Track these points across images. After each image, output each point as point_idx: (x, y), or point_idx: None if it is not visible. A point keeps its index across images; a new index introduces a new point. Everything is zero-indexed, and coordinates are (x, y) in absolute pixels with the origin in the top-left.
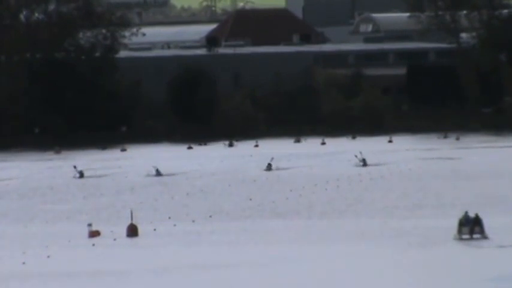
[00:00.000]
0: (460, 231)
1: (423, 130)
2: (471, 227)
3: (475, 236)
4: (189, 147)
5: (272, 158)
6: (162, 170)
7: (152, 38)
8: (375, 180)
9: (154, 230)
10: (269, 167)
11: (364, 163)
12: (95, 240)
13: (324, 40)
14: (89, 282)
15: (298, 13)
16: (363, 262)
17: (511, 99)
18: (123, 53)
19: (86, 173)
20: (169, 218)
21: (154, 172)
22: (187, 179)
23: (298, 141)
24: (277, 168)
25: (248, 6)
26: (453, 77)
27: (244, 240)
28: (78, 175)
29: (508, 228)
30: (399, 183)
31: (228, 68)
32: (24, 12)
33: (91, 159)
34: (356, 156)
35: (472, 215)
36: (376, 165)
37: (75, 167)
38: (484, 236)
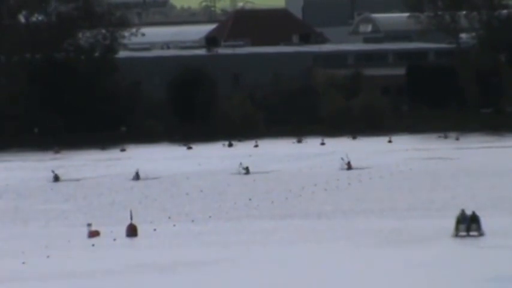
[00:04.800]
0: (457, 229)
1: (423, 130)
2: (468, 224)
3: (471, 233)
4: (189, 147)
5: (240, 163)
6: (160, 171)
7: (152, 38)
8: (374, 180)
9: (154, 230)
10: (247, 170)
11: (349, 166)
12: (95, 240)
13: (323, 40)
14: (88, 282)
15: (298, 13)
16: (361, 261)
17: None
18: (122, 53)
19: (84, 175)
20: (169, 218)
21: (134, 175)
22: (187, 179)
23: (299, 141)
24: (256, 172)
25: (247, 6)
26: (453, 77)
27: (244, 240)
28: (53, 179)
29: (506, 228)
30: (399, 183)
31: (228, 68)
32: (24, 13)
33: (90, 159)
34: (342, 159)
35: (469, 212)
36: (375, 165)
37: (53, 171)
38: (480, 234)
